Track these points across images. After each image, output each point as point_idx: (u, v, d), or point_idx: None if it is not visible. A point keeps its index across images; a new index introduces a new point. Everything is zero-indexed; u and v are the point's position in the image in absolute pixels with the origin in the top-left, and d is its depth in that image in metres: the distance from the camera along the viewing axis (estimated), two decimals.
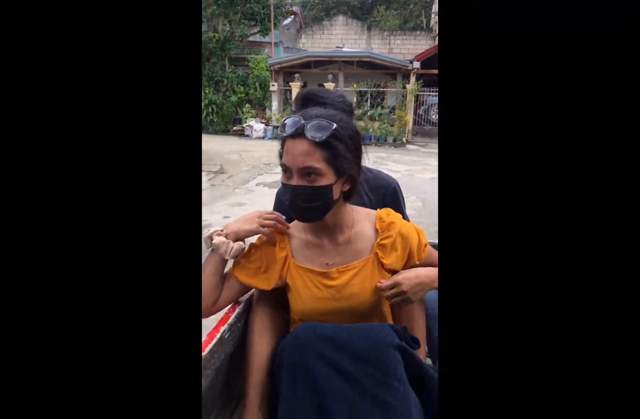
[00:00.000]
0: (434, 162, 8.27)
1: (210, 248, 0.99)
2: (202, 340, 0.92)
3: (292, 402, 0.86)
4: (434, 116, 12.78)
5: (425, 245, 1.07)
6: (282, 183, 0.94)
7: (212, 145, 9.37)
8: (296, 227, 1.07)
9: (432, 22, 20.50)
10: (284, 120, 0.93)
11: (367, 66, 11.76)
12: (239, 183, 6.41)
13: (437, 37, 16.56)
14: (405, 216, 1.26)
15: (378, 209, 1.08)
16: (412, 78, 11.51)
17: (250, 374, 1.01)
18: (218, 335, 0.95)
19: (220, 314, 1.04)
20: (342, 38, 17.89)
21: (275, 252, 1.04)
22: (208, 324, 1.03)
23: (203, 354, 0.88)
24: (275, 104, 12.14)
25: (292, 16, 16.92)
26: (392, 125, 11.29)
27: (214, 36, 11.61)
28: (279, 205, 1.33)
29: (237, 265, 1.04)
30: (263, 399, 1.00)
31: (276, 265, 1.03)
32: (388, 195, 1.32)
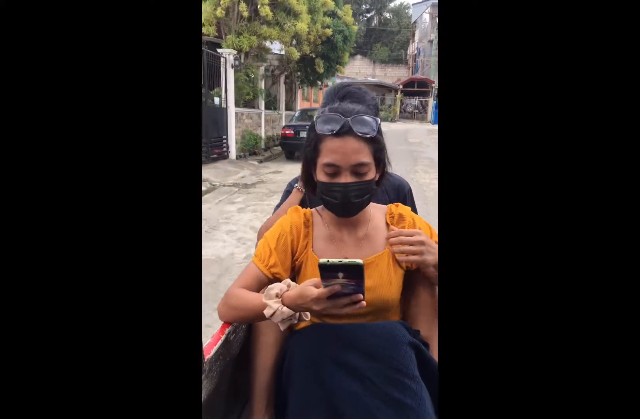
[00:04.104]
0: (403, 125, 22.53)
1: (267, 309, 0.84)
2: (207, 342, 0.91)
3: (302, 403, 0.86)
4: (409, 109, 27.19)
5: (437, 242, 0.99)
6: (326, 183, 0.92)
7: None
8: (318, 218, 1.05)
9: (408, 56, 35.04)
10: (319, 117, 0.91)
11: (378, 86, 26.12)
12: None
13: (410, 68, 31.36)
14: None
15: (389, 204, 1.09)
16: (399, 92, 25.94)
17: (255, 375, 1.01)
18: (223, 337, 0.94)
19: None
20: (359, 68, 32.33)
21: (299, 241, 1.01)
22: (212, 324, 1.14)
23: (208, 356, 0.87)
24: None
25: None
26: (389, 113, 25.63)
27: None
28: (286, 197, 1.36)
29: (262, 258, 0.98)
30: (269, 400, 1.00)
31: (296, 254, 1.01)
32: (402, 196, 1.36)
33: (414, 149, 12.08)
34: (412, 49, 34.25)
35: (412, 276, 1.04)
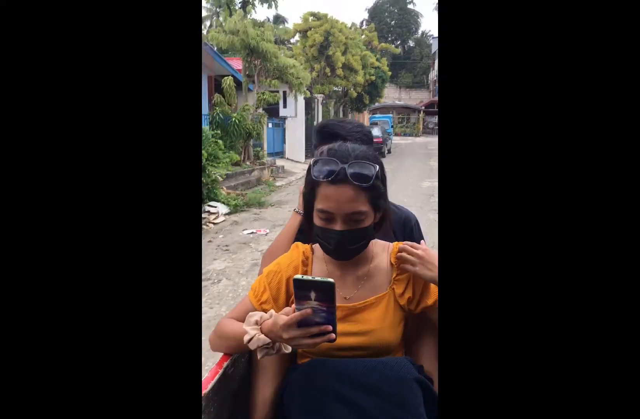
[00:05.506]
0: (425, 139, 28.59)
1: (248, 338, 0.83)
2: (204, 376, 0.88)
3: None
4: (430, 126, 33.37)
5: None
6: (321, 228, 0.91)
7: None
8: (318, 255, 1.03)
9: (429, 81, 41.35)
10: (316, 161, 0.89)
11: (404, 108, 32.38)
12: None
13: (431, 91, 37.71)
14: None
15: (395, 242, 1.05)
16: (421, 112, 32.20)
17: (255, 410, 0.98)
18: (221, 371, 0.91)
19: None
20: (387, 92, 38.77)
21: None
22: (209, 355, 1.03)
23: (205, 391, 0.85)
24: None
25: None
26: (413, 130, 31.82)
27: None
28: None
29: (256, 293, 0.99)
30: None
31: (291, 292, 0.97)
32: (408, 229, 1.31)
33: (431, 152, 18.26)
34: (432, 75, 40.49)
35: (414, 313, 1.02)
